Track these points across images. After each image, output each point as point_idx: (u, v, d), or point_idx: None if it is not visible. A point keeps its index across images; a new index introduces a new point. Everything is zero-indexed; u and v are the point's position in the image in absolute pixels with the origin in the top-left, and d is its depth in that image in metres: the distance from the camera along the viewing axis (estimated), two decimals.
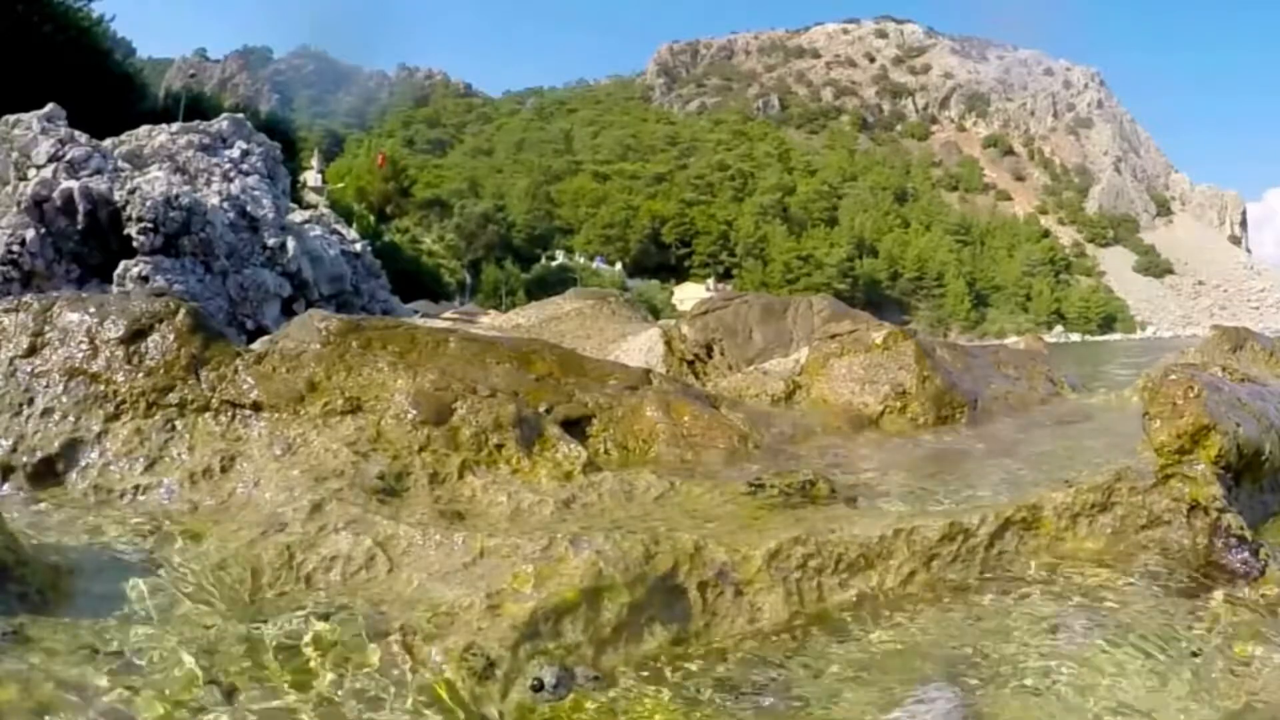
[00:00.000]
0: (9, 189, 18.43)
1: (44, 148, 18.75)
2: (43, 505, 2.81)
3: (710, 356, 7.13)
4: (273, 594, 2.25)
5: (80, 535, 2.64)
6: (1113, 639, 2.21)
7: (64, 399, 3.05)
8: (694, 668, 2.09)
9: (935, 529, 2.52)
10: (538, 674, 1.86)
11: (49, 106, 20.02)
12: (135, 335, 3.21)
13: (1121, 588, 2.48)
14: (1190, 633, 2.24)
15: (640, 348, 7.33)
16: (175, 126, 22.86)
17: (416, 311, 26.45)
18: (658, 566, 2.23)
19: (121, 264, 18.15)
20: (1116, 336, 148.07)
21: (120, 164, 19.79)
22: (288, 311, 18.58)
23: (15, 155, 18.80)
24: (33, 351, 3.16)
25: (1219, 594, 2.45)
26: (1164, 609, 2.37)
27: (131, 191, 18.46)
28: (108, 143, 20.44)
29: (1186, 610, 2.37)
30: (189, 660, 1.83)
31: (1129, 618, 2.32)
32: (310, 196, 46.16)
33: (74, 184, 18.12)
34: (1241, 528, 2.59)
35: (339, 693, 1.79)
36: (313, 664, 1.88)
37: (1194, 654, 2.13)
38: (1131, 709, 1.89)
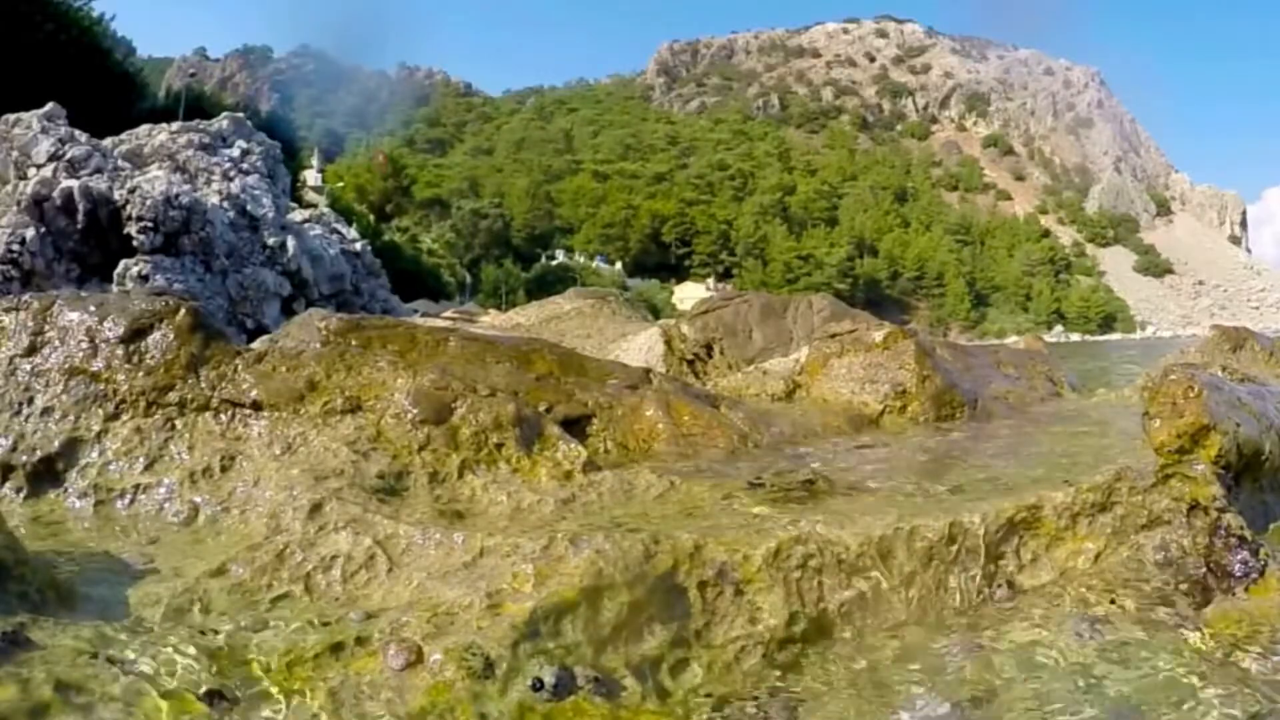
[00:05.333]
0: (9, 188, 18.43)
1: (44, 147, 18.75)
2: (42, 505, 2.81)
3: (710, 356, 7.14)
4: (272, 594, 2.25)
5: (80, 535, 2.64)
6: (1113, 640, 2.21)
7: (64, 398, 3.05)
8: (694, 668, 2.08)
9: (935, 528, 2.52)
10: (537, 674, 1.86)
11: (49, 105, 20.04)
12: (135, 334, 3.20)
13: (1121, 588, 2.48)
14: (1191, 634, 2.24)
15: (640, 347, 7.33)
16: (175, 126, 22.88)
17: (416, 311, 26.47)
18: (658, 566, 2.23)
19: (121, 263, 18.16)
20: (1116, 336, 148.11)
21: (120, 163, 19.80)
22: (287, 311, 18.60)
23: (15, 154, 18.80)
24: (32, 350, 3.16)
25: (1219, 594, 2.45)
26: (1164, 609, 2.36)
27: (131, 190, 18.47)
28: (108, 142, 20.45)
29: (1187, 611, 2.36)
30: (189, 662, 1.83)
31: (1129, 618, 2.31)
32: (310, 196, 46.22)
33: (74, 183, 18.12)
34: (1241, 528, 2.59)
35: (339, 694, 1.79)
36: (313, 665, 1.88)
37: (1194, 655, 2.13)
38: (1130, 712, 1.89)
